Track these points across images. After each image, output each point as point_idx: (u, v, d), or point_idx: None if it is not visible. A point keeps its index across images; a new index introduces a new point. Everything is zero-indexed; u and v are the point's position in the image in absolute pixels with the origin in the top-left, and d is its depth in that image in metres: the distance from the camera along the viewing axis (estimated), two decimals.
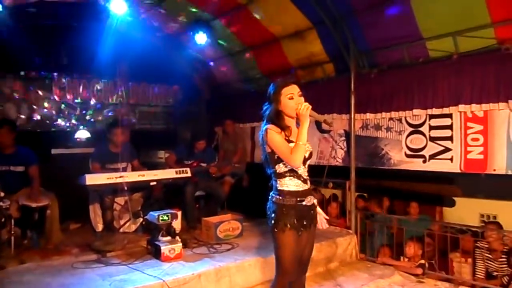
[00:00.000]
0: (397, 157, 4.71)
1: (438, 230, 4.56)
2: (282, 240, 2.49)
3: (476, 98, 3.93)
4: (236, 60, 6.20)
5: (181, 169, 4.71)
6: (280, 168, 2.52)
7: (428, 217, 5.28)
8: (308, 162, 2.60)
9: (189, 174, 4.73)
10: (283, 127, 2.51)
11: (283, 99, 2.50)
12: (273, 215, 2.53)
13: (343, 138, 5.28)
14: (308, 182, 2.61)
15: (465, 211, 5.22)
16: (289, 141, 2.48)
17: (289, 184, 2.52)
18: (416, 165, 4.51)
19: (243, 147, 6.57)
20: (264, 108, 2.60)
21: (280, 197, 2.52)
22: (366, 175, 5.24)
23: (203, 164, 5.37)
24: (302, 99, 2.49)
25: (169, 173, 4.62)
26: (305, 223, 2.55)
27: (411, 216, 5.25)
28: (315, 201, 2.63)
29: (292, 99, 2.48)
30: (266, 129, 2.50)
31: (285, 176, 2.52)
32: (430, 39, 4.15)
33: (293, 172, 2.52)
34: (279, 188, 2.54)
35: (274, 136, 2.46)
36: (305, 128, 2.42)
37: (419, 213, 5.31)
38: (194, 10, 5.30)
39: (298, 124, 2.53)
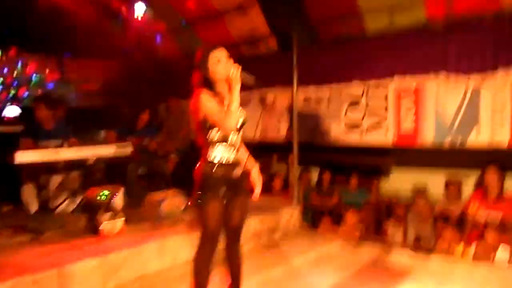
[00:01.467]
0: (337, 131, 4.88)
1: (375, 197, 4.84)
2: (205, 209, 2.43)
3: (410, 71, 4.14)
4: (178, 35, 6.04)
5: (121, 144, 4.53)
6: (212, 135, 2.43)
7: (367, 190, 5.58)
8: (241, 132, 2.54)
9: (130, 150, 4.58)
10: (216, 93, 2.42)
11: (211, 64, 2.41)
12: (200, 183, 2.44)
13: (287, 113, 5.37)
14: (239, 153, 2.56)
15: (399, 182, 5.55)
16: (222, 106, 2.40)
17: (219, 154, 2.44)
18: (354, 139, 4.70)
19: (186, 124, 6.47)
20: (193, 75, 2.47)
21: (208, 167, 2.43)
22: (309, 149, 5.39)
23: (145, 141, 5.23)
24: (231, 62, 2.41)
25: (108, 149, 4.45)
26: (231, 192, 2.49)
27: (351, 189, 5.52)
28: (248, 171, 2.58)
29: (220, 63, 2.40)
30: (198, 95, 2.38)
31: (217, 143, 2.44)
32: (367, 13, 4.29)
33: (225, 140, 2.45)
34: (209, 156, 2.44)
35: (206, 100, 2.36)
36: (236, 91, 2.34)
37: (358, 186, 5.58)
38: None
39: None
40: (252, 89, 5.14)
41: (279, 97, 5.30)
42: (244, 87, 2.36)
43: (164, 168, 5.37)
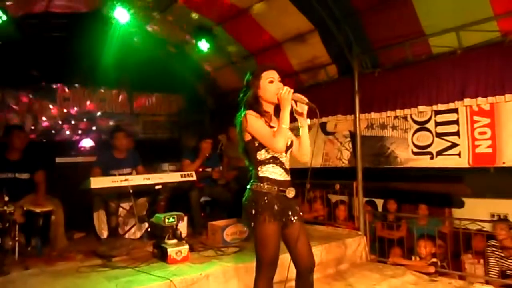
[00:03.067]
0: (404, 155, 4.68)
1: (449, 228, 4.49)
2: (263, 233, 2.31)
3: (482, 92, 3.91)
4: (239, 67, 6.23)
5: (186, 173, 4.66)
6: (261, 155, 2.39)
7: (438, 219, 5.21)
8: (289, 152, 2.49)
9: (194, 178, 4.68)
10: (262, 113, 2.41)
11: (263, 83, 2.40)
12: (252, 204, 2.35)
13: (348, 139, 5.26)
14: (289, 174, 2.47)
15: (475, 212, 5.13)
16: (270, 127, 2.38)
17: (271, 172, 2.39)
18: (423, 162, 4.47)
19: None
20: (241, 95, 2.47)
21: (261, 184, 2.36)
22: (372, 178, 5.20)
23: (208, 169, 5.33)
24: (282, 84, 2.40)
25: (174, 177, 4.58)
26: (289, 214, 2.40)
27: (420, 220, 5.19)
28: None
29: (272, 83, 2.39)
30: (245, 114, 2.36)
31: (267, 163, 2.39)
32: (432, 35, 4.17)
33: (275, 160, 2.40)
34: (260, 175, 2.38)
35: (254, 120, 2.34)
36: (287, 111, 2.31)
37: (428, 216, 5.24)
38: (196, 17, 5.37)
39: (276, 114, 2.42)
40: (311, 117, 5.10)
41: (340, 124, 5.21)
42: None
43: (226, 197, 5.41)
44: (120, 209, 4.63)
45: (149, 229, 4.43)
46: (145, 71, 6.06)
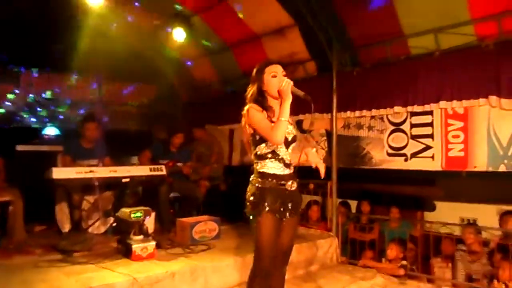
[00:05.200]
0: (379, 156, 4.76)
1: (420, 232, 4.61)
2: (261, 224, 2.44)
3: (457, 95, 4.03)
4: (216, 59, 6.19)
5: (155, 167, 4.60)
6: (261, 149, 2.51)
7: (409, 223, 5.34)
8: (291, 146, 2.58)
9: (164, 172, 4.62)
10: (266, 107, 2.50)
11: (267, 77, 2.50)
12: (251, 198, 2.49)
13: (324, 138, 5.32)
14: (291, 167, 2.58)
15: (446, 216, 5.29)
16: (272, 122, 2.45)
17: (270, 167, 2.50)
18: (398, 163, 4.56)
19: (218, 151, 6.51)
20: (248, 90, 2.58)
21: (260, 179, 2.50)
22: (347, 179, 5.27)
23: (179, 164, 5.28)
24: (285, 78, 2.48)
25: (143, 170, 4.51)
26: (288, 207, 2.52)
27: (392, 223, 5.30)
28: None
29: (276, 77, 2.48)
30: (248, 108, 2.48)
31: (266, 158, 2.51)
32: (411, 36, 4.26)
33: (274, 154, 2.50)
34: (259, 170, 2.53)
35: (255, 113, 2.45)
36: (287, 104, 2.40)
37: (400, 219, 5.36)
38: (173, 5, 5.29)
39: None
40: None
41: (316, 123, 5.25)
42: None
43: (196, 193, 5.38)
44: (84, 202, 4.54)
45: (114, 224, 4.38)
46: (117, 58, 5.87)
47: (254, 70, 2.57)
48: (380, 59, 4.62)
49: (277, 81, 2.46)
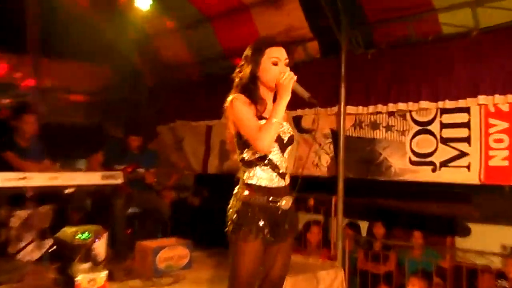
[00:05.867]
0: (399, 165, 4.77)
1: (450, 263, 4.64)
2: (244, 251, 2.43)
3: (500, 87, 4.05)
4: (190, 34, 6.18)
5: (109, 173, 4.57)
6: (249, 153, 2.49)
7: (436, 251, 5.38)
8: (288, 150, 2.58)
9: (120, 181, 4.59)
10: (256, 99, 2.48)
11: (265, 62, 2.47)
12: (234, 216, 2.48)
13: (329, 140, 5.31)
14: (287, 178, 2.57)
15: (483, 243, 5.34)
16: (262, 118, 2.44)
17: (260, 177, 2.49)
18: (424, 174, 4.57)
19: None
20: (236, 70, 2.56)
21: (247, 193, 2.47)
22: (356, 193, 5.29)
23: (141, 170, 5.25)
24: (288, 69, 2.46)
25: (92, 178, 4.47)
26: (281, 229, 2.51)
27: (414, 251, 5.33)
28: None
29: (277, 66, 2.45)
30: (231, 99, 2.45)
31: (255, 165, 2.49)
32: (443, 11, 4.27)
33: (265, 161, 2.47)
34: (246, 181, 2.51)
35: (240, 107, 2.41)
36: (284, 103, 2.39)
37: (424, 246, 5.39)
38: None
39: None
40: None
41: (320, 120, 5.25)
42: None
43: (162, 208, 5.36)
44: (13, 219, 4.49)
45: (52, 248, 4.32)
46: (60, 30, 5.84)
47: (251, 48, 2.54)
48: (402, 39, 4.64)
49: (278, 70, 2.44)
